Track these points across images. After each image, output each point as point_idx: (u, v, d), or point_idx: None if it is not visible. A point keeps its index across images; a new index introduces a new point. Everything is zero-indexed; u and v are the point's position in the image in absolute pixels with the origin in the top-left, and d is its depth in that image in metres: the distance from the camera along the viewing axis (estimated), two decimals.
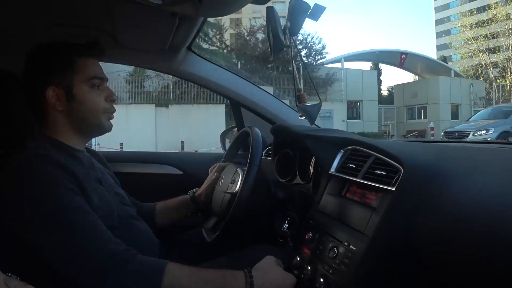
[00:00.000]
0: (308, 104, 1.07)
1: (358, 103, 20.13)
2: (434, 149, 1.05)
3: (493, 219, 0.59)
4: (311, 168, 1.25)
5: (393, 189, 0.80)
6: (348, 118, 18.82)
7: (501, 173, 0.74)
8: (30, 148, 0.89)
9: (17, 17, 1.00)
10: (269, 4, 0.97)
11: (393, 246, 0.75)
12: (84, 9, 0.99)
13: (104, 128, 1.02)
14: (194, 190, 1.31)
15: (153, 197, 1.33)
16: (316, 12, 1.01)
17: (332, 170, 1.07)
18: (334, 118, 15.94)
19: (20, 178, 0.83)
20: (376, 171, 0.90)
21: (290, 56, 1.05)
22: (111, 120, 1.04)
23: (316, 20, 1.02)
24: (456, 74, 23.46)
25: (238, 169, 1.16)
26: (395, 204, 0.78)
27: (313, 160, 1.23)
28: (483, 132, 10.04)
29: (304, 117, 1.08)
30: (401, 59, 19.76)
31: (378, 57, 23.12)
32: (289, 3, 1.01)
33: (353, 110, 20.19)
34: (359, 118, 20.03)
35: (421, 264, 0.72)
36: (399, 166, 0.83)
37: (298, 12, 0.99)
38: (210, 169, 1.34)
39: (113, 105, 1.03)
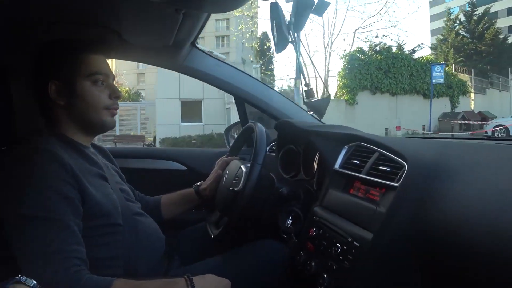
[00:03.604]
0: (317, 99, 1.07)
1: None
2: (438, 145, 1.04)
3: (497, 215, 0.59)
4: (315, 164, 1.24)
5: (397, 185, 0.80)
6: None
7: (505, 169, 0.74)
8: (33, 142, 0.89)
9: (21, 15, 1.00)
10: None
11: (397, 242, 0.75)
12: (88, 6, 0.99)
13: (106, 125, 1.01)
14: (198, 183, 1.32)
15: (157, 193, 1.33)
16: (321, 7, 1.00)
17: (336, 166, 1.07)
18: None
19: (16, 171, 0.84)
20: (380, 167, 0.90)
21: (296, 52, 1.05)
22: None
23: (321, 15, 1.02)
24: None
25: (242, 166, 1.16)
26: (399, 200, 0.78)
27: (317, 156, 1.23)
28: None
29: (312, 113, 1.08)
30: None
31: None
32: None
33: None
34: None
35: (425, 259, 0.72)
36: (403, 162, 0.83)
37: (303, 8, 0.99)
38: (216, 162, 1.35)
39: None
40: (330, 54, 16.22)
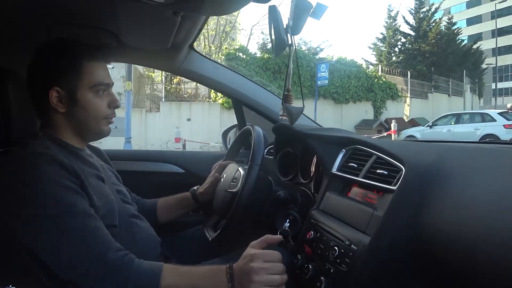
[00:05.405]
0: (293, 105, 1.08)
1: None
2: (436, 149, 1.04)
3: (494, 220, 0.59)
4: (313, 167, 1.25)
5: (395, 188, 0.80)
6: None
7: (502, 173, 0.74)
8: (30, 146, 0.88)
9: (20, 16, 1.00)
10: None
11: (394, 246, 0.75)
12: (86, 8, 0.99)
13: (102, 134, 1.01)
14: (195, 187, 1.31)
15: (154, 195, 1.33)
16: (318, 11, 1.01)
17: (334, 169, 1.07)
18: None
19: (19, 177, 0.82)
20: (377, 171, 0.90)
21: (289, 55, 1.05)
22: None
23: (318, 19, 1.02)
24: None
25: (240, 168, 1.16)
26: (396, 203, 0.78)
27: (314, 159, 1.23)
28: None
29: (285, 117, 1.09)
30: None
31: None
32: (291, 2, 1.01)
33: None
34: None
35: (422, 263, 0.72)
36: (401, 165, 0.83)
37: (301, 11, 0.99)
38: (213, 167, 1.34)
39: None
40: (219, 54, 13.26)
